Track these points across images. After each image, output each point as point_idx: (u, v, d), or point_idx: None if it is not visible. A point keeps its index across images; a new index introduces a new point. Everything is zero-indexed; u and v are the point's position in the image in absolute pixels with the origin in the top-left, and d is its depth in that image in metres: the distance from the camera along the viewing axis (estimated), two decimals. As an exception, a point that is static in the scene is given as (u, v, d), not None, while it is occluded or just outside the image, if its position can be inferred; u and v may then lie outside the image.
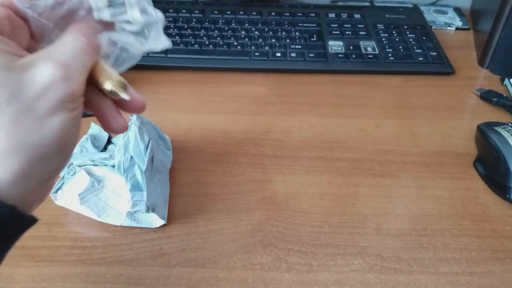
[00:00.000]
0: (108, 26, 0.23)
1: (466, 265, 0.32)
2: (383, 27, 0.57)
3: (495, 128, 0.41)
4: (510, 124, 0.41)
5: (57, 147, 0.20)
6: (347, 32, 0.56)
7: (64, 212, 0.35)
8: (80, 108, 0.21)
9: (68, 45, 0.21)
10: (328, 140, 0.43)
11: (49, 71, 0.19)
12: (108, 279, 0.31)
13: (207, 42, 0.53)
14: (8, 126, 0.18)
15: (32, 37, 0.22)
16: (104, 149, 0.37)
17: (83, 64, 0.21)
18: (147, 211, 0.32)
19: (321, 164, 0.41)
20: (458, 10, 0.66)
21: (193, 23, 0.56)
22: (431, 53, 0.53)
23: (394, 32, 0.56)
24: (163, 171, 0.37)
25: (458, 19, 0.64)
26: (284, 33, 0.55)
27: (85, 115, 0.23)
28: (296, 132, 0.44)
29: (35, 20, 0.22)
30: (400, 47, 0.54)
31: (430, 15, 0.65)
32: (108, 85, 0.22)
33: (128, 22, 0.24)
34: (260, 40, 0.54)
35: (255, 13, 0.58)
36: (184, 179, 0.39)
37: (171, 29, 0.55)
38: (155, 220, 0.34)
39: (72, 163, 0.34)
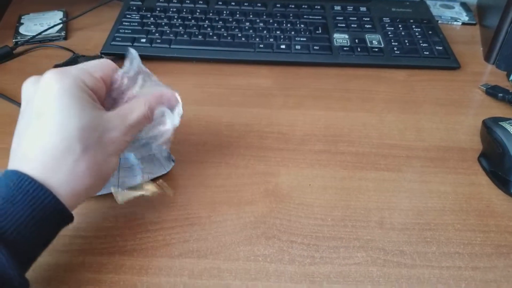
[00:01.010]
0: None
1: (469, 260, 0.32)
2: (389, 21, 0.57)
3: (501, 123, 0.41)
4: (515, 120, 0.41)
5: (108, 178, 0.29)
6: (352, 25, 0.55)
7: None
8: None
9: (138, 111, 0.30)
10: (332, 133, 0.43)
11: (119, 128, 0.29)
12: (110, 269, 0.30)
13: (211, 33, 0.53)
14: (90, 157, 0.27)
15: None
16: None
17: (139, 128, 0.31)
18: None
19: (325, 157, 0.40)
20: (465, 5, 0.66)
21: (197, 13, 0.56)
22: (437, 48, 0.53)
23: (400, 26, 0.56)
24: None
25: (464, 14, 0.64)
26: (289, 25, 0.55)
27: None
28: (300, 125, 0.44)
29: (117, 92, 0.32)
30: (406, 41, 0.53)
31: (436, 9, 0.64)
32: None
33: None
34: (265, 32, 0.54)
35: (260, 5, 0.57)
36: (187, 170, 0.38)
37: (175, 20, 0.55)
38: (166, 164, 0.37)
39: None
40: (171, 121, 0.32)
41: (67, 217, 0.27)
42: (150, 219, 0.34)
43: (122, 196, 0.32)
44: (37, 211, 0.25)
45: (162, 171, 0.37)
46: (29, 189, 0.25)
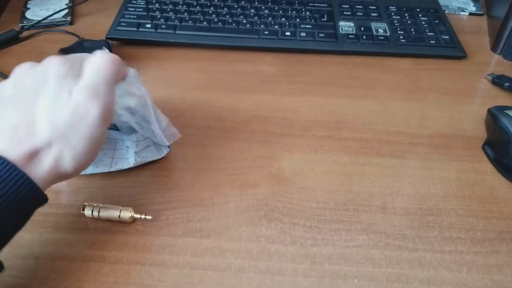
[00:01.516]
0: None
1: (471, 245, 0.32)
2: (395, 9, 0.56)
3: (506, 111, 0.41)
4: (521, 108, 0.41)
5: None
6: (358, 13, 0.55)
7: (71, 181, 0.35)
8: None
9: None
10: (336, 120, 0.43)
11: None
12: (114, 246, 0.31)
13: (215, 20, 0.53)
14: None
15: None
16: None
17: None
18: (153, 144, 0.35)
19: (328, 143, 0.40)
20: (472, -5, 0.65)
21: (202, 0, 0.55)
22: (443, 37, 0.53)
23: (406, 14, 0.56)
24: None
25: (472, 4, 0.63)
26: (294, 12, 0.54)
27: None
28: (304, 111, 0.44)
29: None
30: (412, 30, 0.53)
31: (443, -1, 0.63)
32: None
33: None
34: (270, 18, 0.53)
35: (265, -8, 0.57)
36: (191, 153, 0.39)
37: (180, 6, 0.54)
38: (161, 151, 0.36)
39: None
40: (137, 85, 0.32)
41: (42, 199, 0.26)
42: (153, 199, 0.34)
43: (100, 213, 0.32)
44: (10, 193, 0.23)
45: (156, 156, 0.37)
46: (1, 170, 0.23)
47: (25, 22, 0.54)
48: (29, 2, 0.58)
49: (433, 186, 0.37)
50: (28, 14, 0.56)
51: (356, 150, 0.40)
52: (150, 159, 0.36)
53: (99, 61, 0.27)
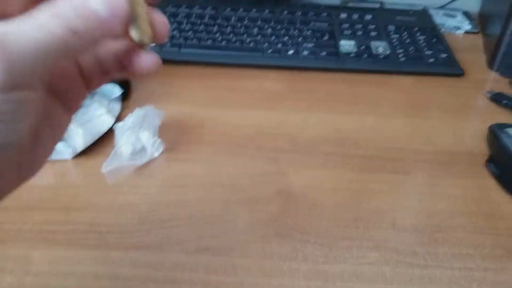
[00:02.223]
0: None
1: (480, 261, 0.33)
2: (393, 28, 0.58)
3: (506, 129, 0.42)
4: (521, 125, 0.42)
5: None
6: (358, 32, 0.56)
7: (79, 198, 0.35)
8: None
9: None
10: (341, 136, 0.43)
11: None
12: (126, 263, 0.30)
13: (220, 38, 0.54)
14: None
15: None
16: None
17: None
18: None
19: (334, 159, 0.41)
20: (467, 14, 0.67)
21: (206, 19, 0.56)
22: (441, 55, 0.54)
23: (404, 33, 0.57)
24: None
25: (467, 22, 0.65)
26: (296, 31, 0.56)
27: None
28: (308, 128, 0.44)
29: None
30: (411, 48, 0.54)
31: (439, 18, 0.65)
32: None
33: None
34: (273, 37, 0.54)
35: (268, 11, 0.58)
36: (199, 169, 0.39)
37: (184, 24, 0.55)
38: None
39: None
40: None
41: None
42: (163, 216, 0.34)
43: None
44: None
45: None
46: None
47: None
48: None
49: (439, 202, 0.37)
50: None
51: (361, 166, 0.40)
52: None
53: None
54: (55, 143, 0.20)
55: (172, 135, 0.42)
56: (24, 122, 0.16)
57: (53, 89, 0.19)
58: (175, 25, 0.55)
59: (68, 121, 0.20)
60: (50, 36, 0.15)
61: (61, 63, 0.17)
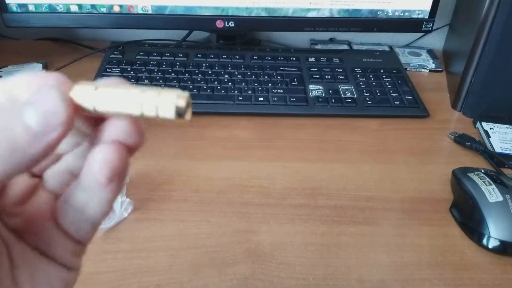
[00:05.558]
0: None
1: (446, 317, 0.33)
2: (360, 71, 0.60)
3: (469, 174, 0.43)
4: (482, 170, 0.43)
5: None
6: (326, 76, 0.58)
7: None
8: None
9: None
10: (311, 186, 0.44)
11: None
12: None
13: (191, 86, 0.54)
14: None
15: None
16: None
17: None
18: None
19: (305, 212, 0.41)
20: (431, 52, 0.70)
21: (177, 66, 0.57)
22: (406, 97, 0.56)
23: (371, 76, 0.59)
24: None
25: (431, 61, 0.68)
26: (266, 77, 0.57)
27: None
28: (279, 178, 0.45)
29: None
30: (377, 91, 0.56)
31: (405, 57, 0.68)
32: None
33: None
34: (243, 84, 0.55)
35: (238, 57, 0.59)
36: (168, 231, 0.38)
37: (155, 73, 0.56)
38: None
39: None
40: None
41: None
42: (131, 285, 0.34)
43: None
44: None
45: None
46: None
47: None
48: (1, 69, 0.58)
49: (406, 254, 0.38)
50: None
51: (332, 218, 0.41)
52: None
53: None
54: None
55: (141, 192, 0.42)
56: None
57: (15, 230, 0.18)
58: (145, 74, 0.56)
59: (52, 267, 0.18)
60: None
61: None
